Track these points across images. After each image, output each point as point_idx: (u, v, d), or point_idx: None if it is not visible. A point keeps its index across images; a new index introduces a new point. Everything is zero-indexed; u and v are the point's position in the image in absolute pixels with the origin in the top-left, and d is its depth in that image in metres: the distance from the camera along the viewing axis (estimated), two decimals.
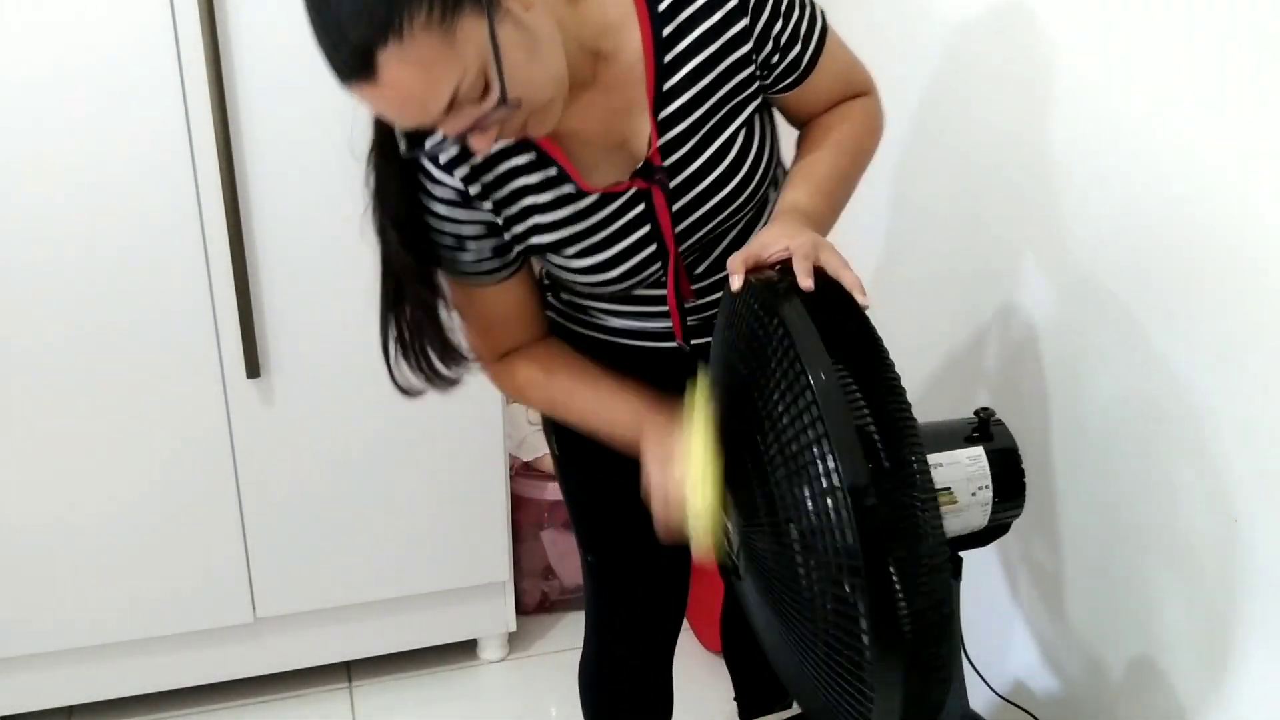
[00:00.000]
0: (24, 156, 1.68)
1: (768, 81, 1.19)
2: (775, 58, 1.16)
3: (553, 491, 2.23)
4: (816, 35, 1.19)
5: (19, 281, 1.74)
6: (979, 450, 1.16)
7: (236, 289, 1.80)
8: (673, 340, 1.30)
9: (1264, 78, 1.11)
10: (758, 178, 1.22)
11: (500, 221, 1.16)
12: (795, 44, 1.17)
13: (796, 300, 0.97)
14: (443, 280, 1.19)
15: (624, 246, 1.18)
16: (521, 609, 2.31)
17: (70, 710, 2.11)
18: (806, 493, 0.93)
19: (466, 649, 2.26)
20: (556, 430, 1.37)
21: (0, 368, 1.78)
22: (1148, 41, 1.26)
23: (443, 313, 1.20)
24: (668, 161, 1.16)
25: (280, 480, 1.96)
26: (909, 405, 0.96)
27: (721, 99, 1.16)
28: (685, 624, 2.33)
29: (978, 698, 1.82)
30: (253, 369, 1.85)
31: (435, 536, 2.06)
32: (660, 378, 1.26)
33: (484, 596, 2.17)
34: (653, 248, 1.19)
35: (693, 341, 1.31)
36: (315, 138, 1.77)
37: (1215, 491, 1.25)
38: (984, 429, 1.17)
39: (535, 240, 1.18)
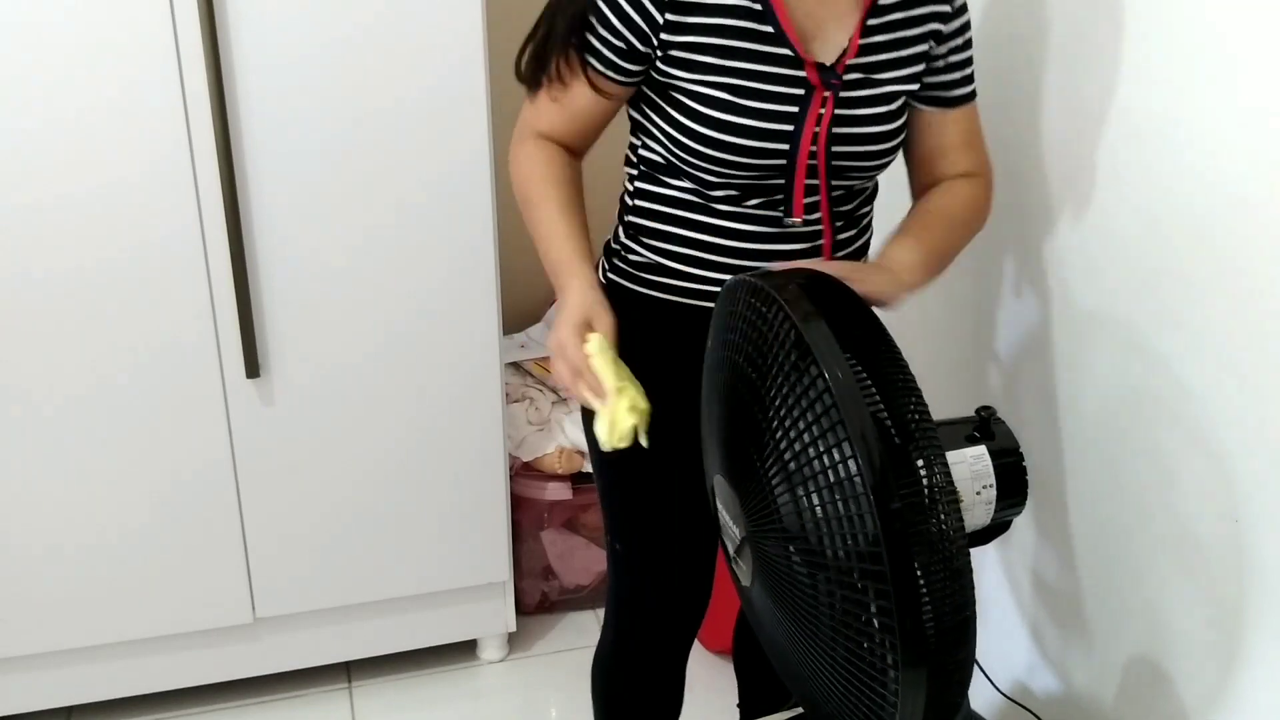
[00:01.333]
0: (24, 157, 1.68)
1: (927, 81, 1.27)
2: (941, 66, 1.28)
3: (553, 491, 2.23)
4: (971, 84, 1.31)
5: (19, 281, 1.74)
6: (981, 449, 1.16)
7: (236, 289, 1.80)
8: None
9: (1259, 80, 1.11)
10: (895, 152, 1.29)
11: (663, 30, 1.19)
12: (956, 71, 1.29)
13: (807, 301, 0.97)
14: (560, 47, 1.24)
15: (762, 126, 1.20)
16: (521, 609, 2.31)
17: (70, 710, 2.11)
18: (823, 498, 0.92)
19: (466, 649, 2.26)
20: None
21: (0, 369, 1.77)
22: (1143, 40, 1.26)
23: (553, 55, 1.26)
24: (847, 78, 1.22)
25: (280, 480, 1.96)
26: (925, 406, 0.96)
27: (904, 59, 1.25)
28: None
29: (981, 697, 1.82)
30: (252, 369, 1.85)
31: (435, 537, 2.06)
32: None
33: (484, 597, 2.17)
34: (783, 146, 1.22)
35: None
36: (315, 137, 1.77)
37: (1217, 491, 1.25)
38: (985, 428, 1.18)
39: (694, 74, 1.20)
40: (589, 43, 1.22)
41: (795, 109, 1.21)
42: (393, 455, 1.99)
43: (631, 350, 1.27)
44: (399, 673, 2.22)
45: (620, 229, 1.38)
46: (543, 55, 1.26)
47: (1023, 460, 1.17)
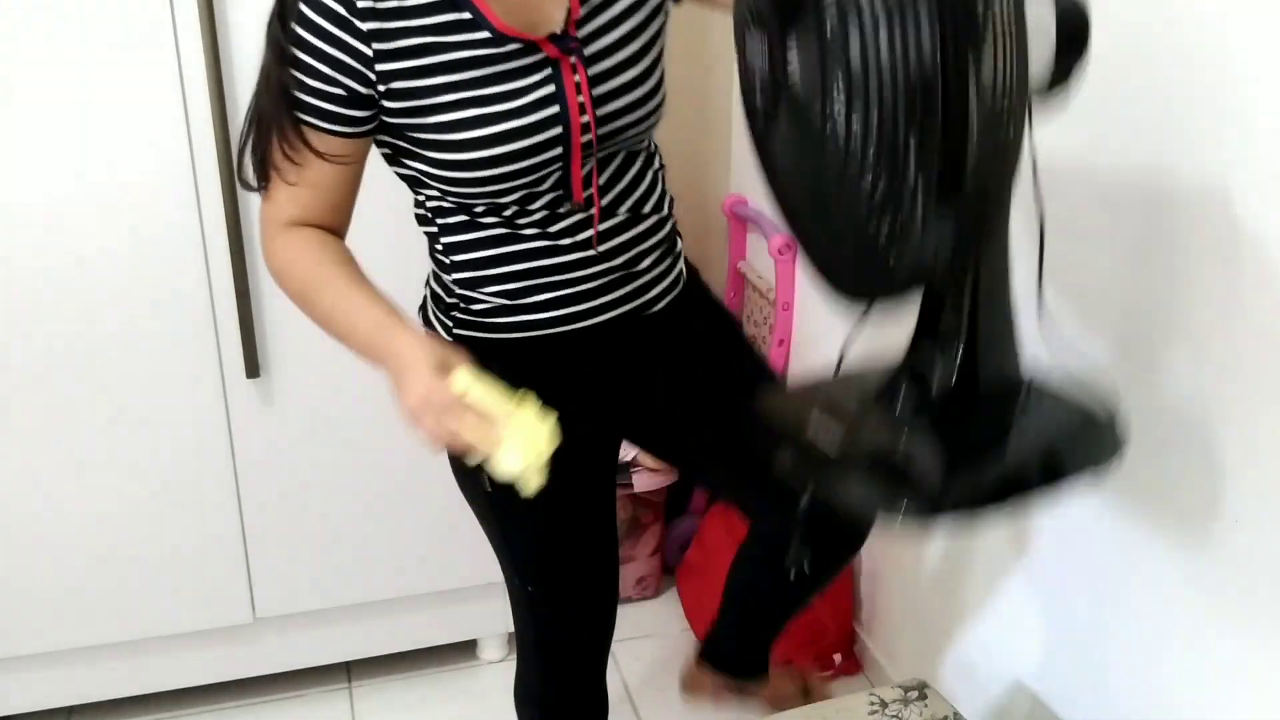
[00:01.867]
0: (23, 157, 1.68)
1: None
2: None
3: None
4: None
5: (18, 281, 1.74)
6: None
7: (236, 289, 1.80)
8: (574, 308, 1.27)
9: None
10: (661, 95, 1.23)
11: (374, 61, 1.11)
12: None
13: None
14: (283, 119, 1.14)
15: (528, 121, 1.14)
16: None
17: (70, 710, 2.11)
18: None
19: (466, 649, 2.26)
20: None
21: (0, 367, 1.77)
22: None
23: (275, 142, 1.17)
24: (586, 45, 1.16)
25: (280, 480, 1.96)
26: None
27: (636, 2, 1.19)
28: (685, 624, 2.34)
29: (982, 694, 1.82)
30: (252, 369, 1.85)
31: (435, 536, 2.06)
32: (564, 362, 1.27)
33: (483, 597, 2.16)
34: (556, 130, 1.15)
35: (601, 249, 1.27)
36: None
37: (1215, 491, 1.25)
38: None
39: (427, 100, 1.12)
40: (303, 104, 1.12)
41: (551, 88, 1.14)
42: (392, 454, 1.99)
43: (512, 382, 1.25)
44: (399, 672, 2.22)
45: (447, 285, 1.30)
46: (262, 144, 1.16)
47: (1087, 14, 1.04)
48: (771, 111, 1.02)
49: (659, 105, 1.23)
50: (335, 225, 1.22)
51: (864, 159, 0.93)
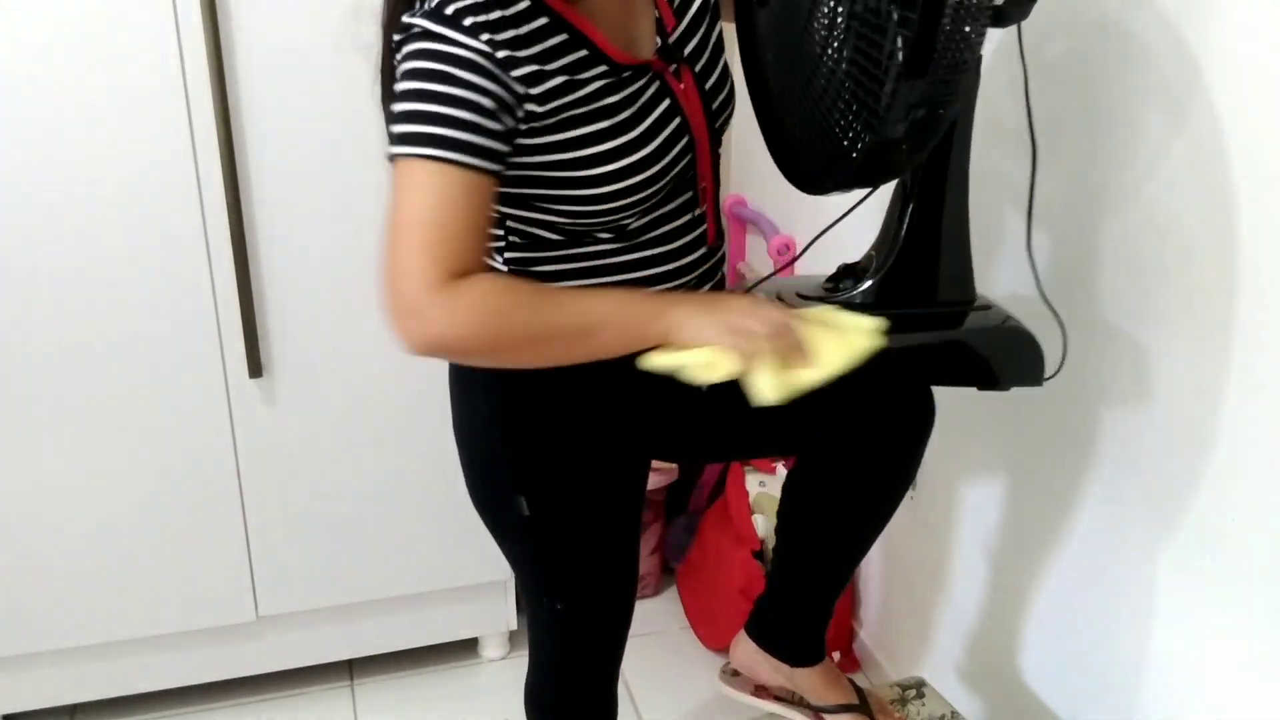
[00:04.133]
0: (26, 157, 1.68)
1: None
2: None
3: None
4: None
5: (22, 282, 1.74)
6: None
7: (239, 289, 1.81)
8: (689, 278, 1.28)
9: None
10: (731, 83, 1.27)
11: (524, 101, 1.08)
12: None
13: None
14: (410, 176, 1.05)
15: (662, 136, 1.17)
16: (522, 607, 2.31)
17: (73, 709, 2.12)
18: None
19: (468, 647, 2.27)
20: (526, 488, 1.31)
21: (3, 368, 1.78)
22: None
23: None
24: (685, 52, 1.20)
25: (283, 479, 1.96)
26: None
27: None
28: (685, 624, 2.34)
29: (980, 692, 1.83)
30: (255, 369, 1.86)
31: (437, 535, 2.06)
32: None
33: (485, 595, 2.17)
34: (685, 139, 1.19)
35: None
36: (318, 137, 1.77)
37: (1217, 491, 1.25)
38: None
39: (565, 134, 1.11)
40: (462, 143, 1.04)
41: (668, 101, 1.17)
42: (395, 453, 1.99)
43: (552, 410, 1.25)
44: (401, 670, 2.23)
45: None
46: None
47: None
48: None
49: (733, 90, 1.28)
50: (487, 263, 1.12)
51: (845, 26, 1.03)
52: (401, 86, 1.06)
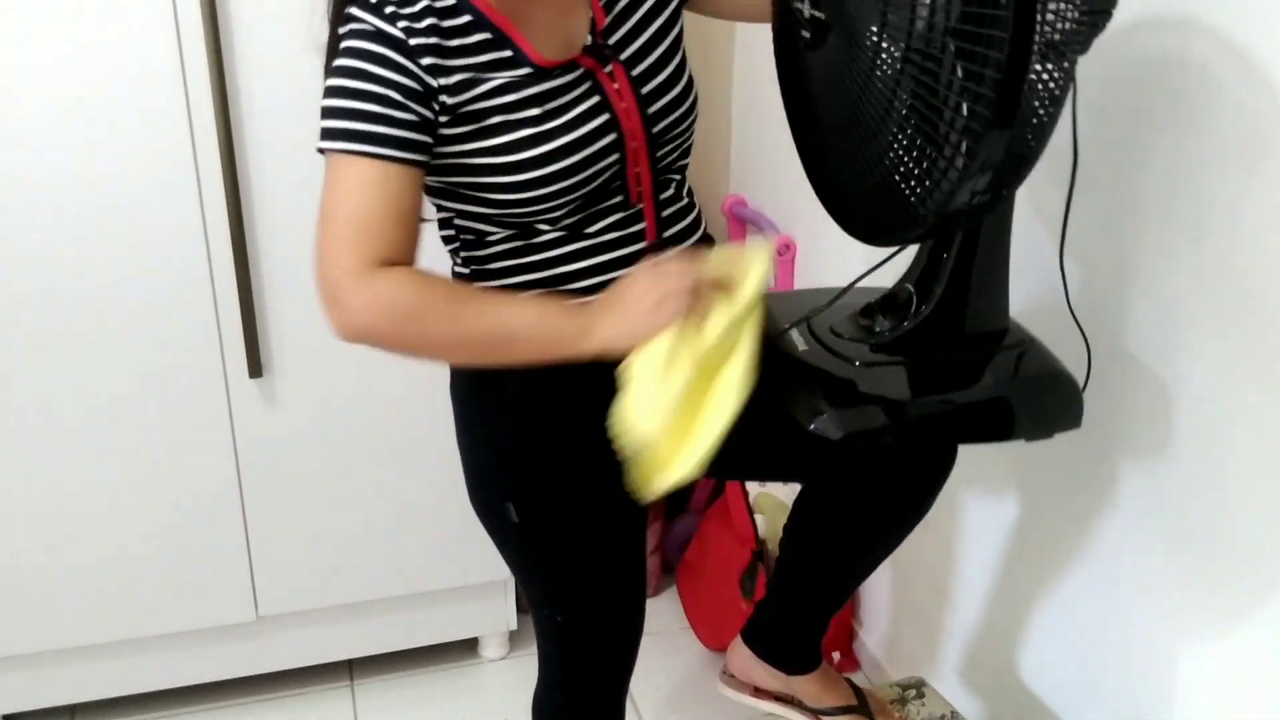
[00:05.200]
0: (26, 157, 1.68)
1: None
2: None
3: None
4: None
5: (21, 282, 1.74)
6: None
7: (239, 288, 1.81)
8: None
9: None
10: (695, 91, 1.25)
11: (439, 93, 1.10)
12: None
13: None
14: (332, 168, 1.09)
15: (582, 131, 1.15)
16: (522, 607, 2.31)
17: (73, 709, 2.12)
18: None
19: (468, 647, 2.27)
20: (515, 496, 1.31)
21: (2, 367, 1.78)
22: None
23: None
24: (619, 51, 1.18)
25: (282, 479, 1.96)
26: None
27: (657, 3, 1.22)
28: (685, 624, 2.34)
29: (981, 690, 1.83)
30: (255, 369, 1.86)
31: (436, 535, 2.06)
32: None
33: (485, 595, 2.17)
34: (611, 136, 1.17)
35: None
36: (318, 135, 1.77)
37: (1218, 491, 1.25)
38: None
39: (484, 124, 1.12)
40: (376, 135, 1.07)
41: (597, 98, 1.16)
42: (394, 453, 1.99)
43: (536, 416, 1.24)
44: (401, 671, 2.23)
45: None
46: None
47: None
48: (820, 32, 1.04)
49: (695, 101, 1.26)
50: (413, 255, 1.13)
51: (901, 82, 0.93)
52: (329, 81, 1.10)
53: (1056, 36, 0.92)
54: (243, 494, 1.95)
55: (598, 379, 1.25)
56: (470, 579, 2.13)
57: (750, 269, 1.10)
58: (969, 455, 1.76)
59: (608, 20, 1.19)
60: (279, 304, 1.85)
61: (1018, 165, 0.99)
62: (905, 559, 2.00)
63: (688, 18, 1.30)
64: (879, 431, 1.17)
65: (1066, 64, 0.94)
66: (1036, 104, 0.95)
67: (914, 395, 1.19)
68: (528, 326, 1.11)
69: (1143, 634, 1.40)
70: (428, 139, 1.11)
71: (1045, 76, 0.94)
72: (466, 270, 1.25)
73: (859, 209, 1.11)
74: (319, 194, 1.83)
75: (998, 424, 1.22)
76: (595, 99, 1.17)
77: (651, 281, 1.10)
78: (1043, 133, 0.98)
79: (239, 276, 1.80)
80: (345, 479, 1.99)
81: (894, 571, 2.07)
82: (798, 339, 1.26)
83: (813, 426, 1.15)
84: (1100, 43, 1.02)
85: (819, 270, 2.07)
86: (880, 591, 2.13)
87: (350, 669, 2.24)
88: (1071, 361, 1.24)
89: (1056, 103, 0.97)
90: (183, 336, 1.83)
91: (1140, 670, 1.41)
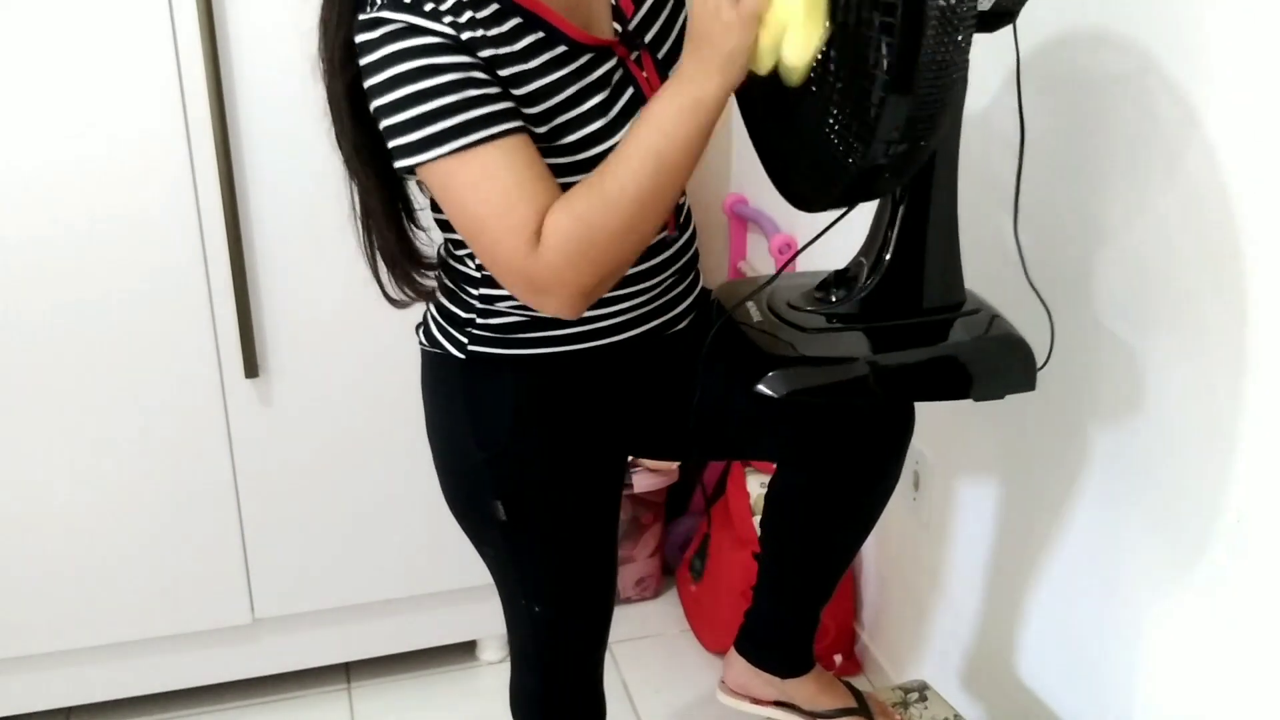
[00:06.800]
0: (17, 156, 1.67)
1: None
2: None
3: None
4: None
5: (15, 279, 1.74)
6: None
7: (235, 288, 1.80)
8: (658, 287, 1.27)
9: None
10: None
11: (491, 66, 1.06)
12: None
13: None
14: (449, 179, 1.04)
15: (628, 116, 1.14)
16: None
17: (69, 711, 2.11)
18: None
19: (466, 650, 2.26)
20: (503, 493, 1.29)
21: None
22: None
23: (409, 228, 1.18)
24: (643, 35, 1.18)
25: (279, 480, 1.95)
26: None
27: None
28: (685, 626, 2.33)
29: (982, 689, 1.82)
30: (251, 369, 1.85)
31: (434, 537, 2.05)
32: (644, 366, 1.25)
33: (483, 597, 2.15)
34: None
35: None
36: (314, 135, 1.74)
37: (1219, 491, 1.25)
38: None
39: (530, 109, 1.09)
40: (473, 110, 1.03)
41: (631, 90, 1.16)
42: (392, 455, 1.98)
43: (526, 411, 1.23)
44: (398, 673, 2.22)
45: (465, 300, 1.25)
46: (398, 232, 1.20)
47: None
48: None
49: None
50: (558, 189, 1.07)
51: (833, 52, 0.98)
52: (391, 96, 1.04)
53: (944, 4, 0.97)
54: (238, 495, 1.94)
55: (585, 371, 1.26)
56: (468, 581, 2.11)
57: None
58: (965, 457, 1.75)
59: (635, 9, 1.19)
60: (275, 304, 1.84)
61: (916, 140, 1.01)
62: (905, 562, 2.00)
63: None
64: (825, 390, 1.20)
65: (960, 37, 0.98)
66: (939, 71, 0.98)
67: (861, 354, 1.22)
68: (660, 132, 1.03)
69: (1145, 636, 1.39)
70: (515, 105, 1.07)
71: (941, 48, 0.98)
72: (478, 275, 1.24)
73: (796, 169, 1.14)
74: (316, 192, 1.82)
75: (949, 383, 1.25)
76: (631, 89, 1.16)
77: (713, 9, 1.01)
78: (942, 100, 1.01)
79: (235, 276, 1.79)
80: (342, 480, 1.98)
81: (895, 574, 2.06)
82: (753, 311, 1.27)
83: (759, 386, 1.16)
84: (1049, 8, 1.04)
85: (819, 270, 2.06)
86: (882, 595, 2.12)
87: (347, 672, 2.23)
88: (1034, 332, 1.26)
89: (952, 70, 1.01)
90: (179, 336, 1.82)
91: (1141, 671, 1.40)
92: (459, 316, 1.26)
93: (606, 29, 1.18)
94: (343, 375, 1.91)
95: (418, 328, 1.34)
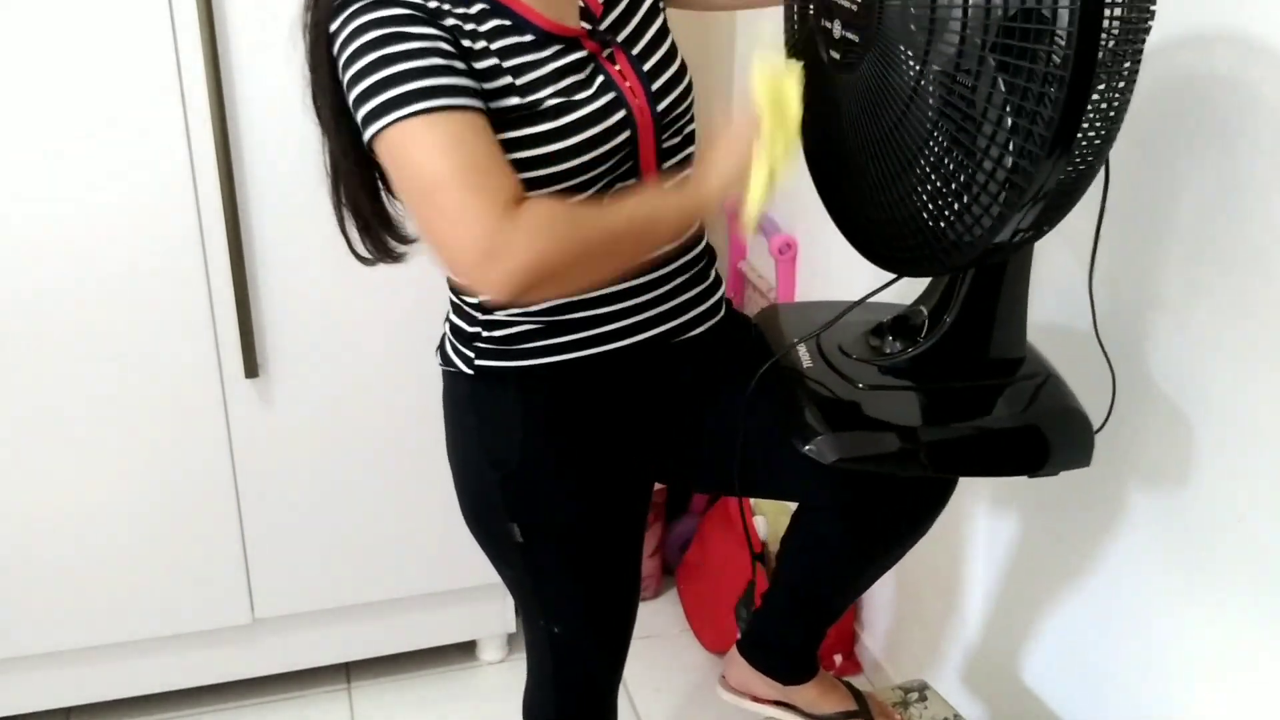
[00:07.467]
0: (20, 158, 1.67)
1: None
2: None
3: None
4: None
5: (17, 281, 1.73)
6: None
7: (235, 288, 1.80)
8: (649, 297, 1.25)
9: None
10: (689, 75, 1.24)
11: (467, 54, 1.06)
12: None
13: None
14: (411, 141, 1.01)
15: (594, 107, 1.13)
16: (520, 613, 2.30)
17: (69, 711, 2.11)
18: None
19: (466, 650, 2.26)
20: (519, 516, 1.29)
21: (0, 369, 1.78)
22: None
23: (384, 193, 1.16)
24: (616, 34, 1.18)
25: (279, 481, 1.95)
26: None
27: None
28: (686, 626, 2.33)
29: (982, 698, 1.82)
30: (251, 369, 1.85)
31: (434, 537, 2.05)
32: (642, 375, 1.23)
33: (483, 597, 2.16)
34: (621, 114, 1.14)
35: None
36: (314, 136, 1.76)
37: (1219, 492, 1.25)
38: None
39: (505, 101, 1.08)
40: (440, 84, 1.01)
41: (603, 77, 1.14)
42: (392, 455, 1.98)
43: (536, 431, 1.22)
44: (398, 673, 2.22)
45: (468, 313, 1.25)
46: (372, 198, 1.17)
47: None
48: (852, 54, 0.98)
49: (691, 82, 1.24)
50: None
51: (945, 111, 0.87)
52: (356, 65, 1.03)
53: (1112, 44, 0.85)
54: (239, 495, 1.94)
55: (594, 391, 1.24)
56: (468, 581, 2.11)
57: (787, 87, 1.08)
58: None
59: (605, 9, 1.19)
60: (275, 304, 1.84)
61: (1069, 194, 0.93)
62: (908, 562, 1.99)
63: (686, 20, 1.30)
64: (875, 459, 1.14)
65: (1123, 75, 0.87)
66: (1087, 126, 0.88)
67: (918, 423, 1.15)
68: (658, 205, 1.10)
69: (1146, 637, 1.39)
70: (480, 89, 1.06)
71: (1102, 89, 0.87)
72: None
73: (884, 237, 1.06)
74: (316, 192, 1.82)
75: (1004, 459, 1.18)
76: (601, 78, 1.15)
77: (739, 136, 1.08)
78: (1098, 155, 0.91)
79: (235, 276, 1.79)
80: (342, 480, 1.98)
81: (897, 574, 2.05)
82: (804, 355, 1.22)
83: (807, 448, 1.12)
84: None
85: (820, 269, 2.06)
86: (883, 594, 2.12)
87: (347, 672, 2.23)
88: (1093, 386, 1.21)
89: (1112, 121, 0.90)
90: (179, 336, 1.82)
91: (1144, 674, 1.40)
92: (465, 331, 1.26)
93: (576, 25, 1.17)
94: (343, 375, 1.91)
95: (437, 349, 1.33)
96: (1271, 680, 1.21)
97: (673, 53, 1.23)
